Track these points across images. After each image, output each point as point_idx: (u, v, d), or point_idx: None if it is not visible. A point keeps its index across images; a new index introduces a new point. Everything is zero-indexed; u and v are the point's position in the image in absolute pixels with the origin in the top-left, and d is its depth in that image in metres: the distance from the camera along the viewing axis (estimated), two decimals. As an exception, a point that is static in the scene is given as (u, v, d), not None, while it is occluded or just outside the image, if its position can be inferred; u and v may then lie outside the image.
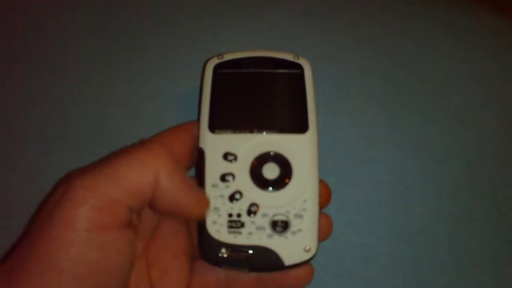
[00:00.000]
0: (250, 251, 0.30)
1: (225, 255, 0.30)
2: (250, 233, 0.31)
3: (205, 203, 0.31)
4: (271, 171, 0.32)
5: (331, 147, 0.39)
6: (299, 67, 0.35)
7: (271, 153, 0.32)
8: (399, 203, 0.38)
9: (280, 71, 0.35)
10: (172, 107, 0.40)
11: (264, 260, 0.31)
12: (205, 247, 0.31)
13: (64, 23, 0.43)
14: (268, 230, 0.31)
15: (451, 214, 0.38)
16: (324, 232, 0.32)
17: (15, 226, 0.36)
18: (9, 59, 0.42)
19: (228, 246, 0.31)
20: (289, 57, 0.35)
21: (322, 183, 0.33)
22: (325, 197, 0.33)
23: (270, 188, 0.32)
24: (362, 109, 0.41)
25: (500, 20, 0.47)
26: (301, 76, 0.34)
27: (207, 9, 0.43)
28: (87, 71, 0.41)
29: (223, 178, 0.32)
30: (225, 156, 0.32)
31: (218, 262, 0.31)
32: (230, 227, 0.31)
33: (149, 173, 0.27)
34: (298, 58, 0.35)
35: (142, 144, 0.31)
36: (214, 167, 0.32)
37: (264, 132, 0.33)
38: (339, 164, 0.39)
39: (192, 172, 0.34)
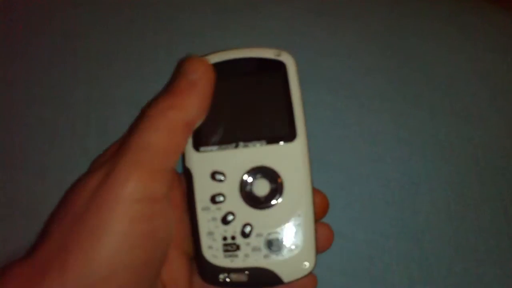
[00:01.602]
0: (247, 273, 0.30)
1: (225, 279, 0.30)
2: (246, 255, 0.30)
3: (209, 69, 0.31)
4: (261, 187, 0.31)
5: (337, 144, 0.39)
6: (282, 65, 0.32)
7: (260, 168, 0.31)
8: (405, 201, 0.38)
9: (262, 72, 0.32)
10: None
11: (264, 280, 0.30)
12: (203, 272, 0.31)
13: (70, 20, 0.43)
14: (264, 250, 0.30)
15: (458, 212, 0.38)
16: (325, 242, 0.32)
17: (23, 223, 0.37)
18: (16, 58, 0.42)
19: (226, 270, 0.30)
20: (270, 54, 0.32)
21: (319, 194, 0.32)
22: (322, 208, 0.32)
23: (262, 206, 0.31)
24: (368, 106, 0.40)
25: (508, 18, 0.46)
26: (284, 75, 0.32)
27: (212, 5, 0.43)
28: (94, 69, 0.41)
29: (213, 199, 0.31)
30: (213, 175, 0.31)
31: (219, 285, 0.31)
32: (225, 250, 0.30)
33: (175, 128, 0.29)
34: (279, 55, 0.32)
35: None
36: (203, 188, 0.31)
37: (251, 145, 0.31)
38: (344, 161, 0.39)
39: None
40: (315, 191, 0.32)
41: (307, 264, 0.30)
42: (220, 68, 0.32)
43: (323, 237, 0.31)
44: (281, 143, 0.31)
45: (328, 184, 0.37)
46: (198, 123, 0.30)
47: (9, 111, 0.40)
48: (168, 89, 0.31)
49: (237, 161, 0.31)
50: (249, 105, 0.32)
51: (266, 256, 0.30)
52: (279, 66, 0.32)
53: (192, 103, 0.29)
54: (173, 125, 0.29)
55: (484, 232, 0.38)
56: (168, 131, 0.28)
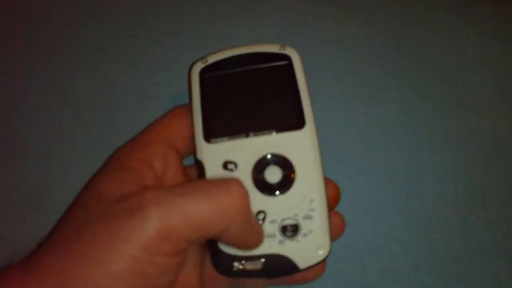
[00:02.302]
0: (263, 260, 0.30)
1: (239, 268, 0.30)
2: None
3: (262, 236, 0.30)
4: (273, 174, 0.31)
5: (344, 133, 0.39)
6: (287, 58, 0.33)
7: (271, 156, 0.31)
8: (412, 190, 0.38)
9: (268, 65, 0.33)
10: (183, 94, 0.40)
11: (279, 267, 0.30)
12: (218, 261, 0.30)
13: (76, 8, 0.43)
14: (279, 237, 0.30)
15: (465, 202, 0.38)
16: (337, 230, 0.32)
17: (27, 212, 0.37)
18: (22, 49, 0.42)
19: (240, 258, 0.30)
20: (275, 49, 0.34)
21: (330, 183, 0.32)
22: (334, 197, 0.32)
23: (275, 193, 0.31)
24: (375, 96, 0.40)
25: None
26: (290, 67, 0.33)
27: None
28: (99, 58, 0.41)
29: None
30: (225, 165, 0.31)
31: (233, 275, 0.30)
32: None
33: (223, 222, 0.26)
34: (284, 49, 0.34)
35: (148, 135, 0.31)
36: (214, 177, 0.31)
37: (261, 134, 0.31)
38: (352, 151, 0.39)
39: (190, 160, 0.34)
40: (327, 181, 0.32)
41: (322, 249, 0.30)
42: (230, 62, 0.33)
43: (335, 226, 0.31)
44: (291, 131, 0.32)
45: (335, 173, 0.37)
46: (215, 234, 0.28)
47: (13, 101, 0.40)
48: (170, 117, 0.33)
49: (248, 150, 0.31)
50: (258, 97, 0.33)
51: (280, 242, 0.30)
52: (285, 58, 0.33)
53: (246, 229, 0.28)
54: (226, 219, 0.26)
55: (491, 223, 0.38)
56: (216, 216, 0.26)
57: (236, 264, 0.30)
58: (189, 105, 0.33)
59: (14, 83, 0.41)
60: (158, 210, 0.25)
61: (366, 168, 0.38)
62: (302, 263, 0.30)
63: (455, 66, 0.42)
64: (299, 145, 0.31)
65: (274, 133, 0.32)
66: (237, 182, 0.27)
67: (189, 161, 0.34)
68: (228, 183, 0.27)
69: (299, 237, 0.30)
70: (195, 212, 0.26)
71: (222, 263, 0.30)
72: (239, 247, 0.30)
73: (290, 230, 0.30)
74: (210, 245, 0.31)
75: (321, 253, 0.30)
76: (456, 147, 0.39)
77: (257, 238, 0.30)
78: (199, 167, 0.31)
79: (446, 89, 0.41)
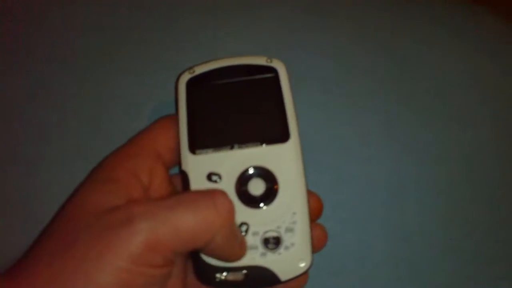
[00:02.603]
0: (244, 271, 0.30)
1: (221, 278, 0.30)
2: None
3: (245, 248, 0.31)
4: (256, 187, 0.31)
5: (329, 144, 0.39)
6: (273, 71, 0.34)
7: (255, 168, 0.32)
8: (395, 201, 0.38)
9: (254, 77, 0.34)
10: (171, 102, 0.40)
11: (260, 279, 0.30)
12: (200, 272, 0.31)
13: (64, 17, 0.43)
14: (261, 249, 0.31)
15: (447, 213, 0.39)
16: (319, 242, 0.32)
17: (13, 219, 0.37)
18: (9, 53, 0.42)
19: (222, 269, 0.30)
20: (261, 61, 0.34)
21: (313, 196, 0.32)
22: (316, 210, 0.32)
23: (258, 205, 0.31)
24: (360, 106, 0.40)
25: (498, 20, 0.46)
26: (276, 80, 0.33)
27: (207, 4, 0.43)
28: (87, 65, 0.41)
29: None
30: (209, 176, 0.31)
31: (215, 285, 0.31)
32: None
33: (208, 233, 0.27)
34: (271, 61, 0.34)
35: (134, 145, 0.32)
36: (199, 189, 0.31)
37: (245, 146, 0.32)
38: (336, 161, 0.39)
39: (175, 169, 0.34)
40: (310, 193, 0.32)
41: (303, 262, 0.31)
42: (216, 74, 0.34)
43: (317, 238, 0.32)
44: (275, 144, 0.32)
45: (318, 183, 0.37)
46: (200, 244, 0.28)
47: (0, 107, 0.40)
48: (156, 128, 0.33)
49: (232, 162, 0.32)
50: (243, 109, 0.33)
51: (262, 255, 0.31)
52: (271, 71, 0.34)
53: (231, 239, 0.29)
54: (211, 231, 0.27)
55: (472, 233, 0.38)
56: (203, 229, 0.27)
57: (218, 275, 0.30)
58: (175, 115, 0.34)
59: (0, 89, 0.41)
60: (146, 223, 0.26)
61: (349, 178, 0.39)
62: (283, 275, 0.30)
63: (440, 77, 0.43)
64: (283, 158, 0.32)
65: (258, 145, 0.32)
66: (223, 194, 0.28)
67: (176, 169, 0.35)
68: (214, 195, 0.27)
69: (281, 249, 0.31)
70: (182, 225, 0.26)
71: (205, 273, 0.31)
72: (222, 259, 0.30)
73: (272, 243, 0.31)
74: (193, 256, 0.31)
75: (303, 266, 0.31)
76: (439, 158, 0.40)
77: (241, 250, 0.30)
78: (184, 177, 0.32)
79: (430, 99, 0.42)
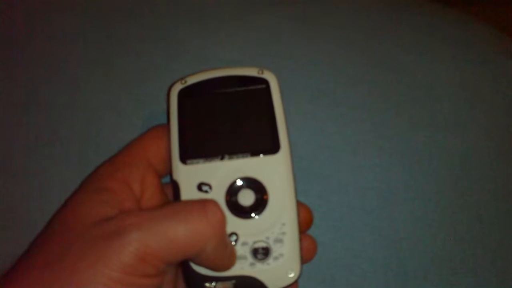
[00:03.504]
0: (233, 281, 0.31)
1: (210, 287, 0.31)
2: None
3: (234, 258, 0.31)
4: (246, 197, 0.32)
5: (317, 153, 0.39)
6: (265, 82, 0.34)
7: (245, 179, 0.32)
8: (383, 209, 0.39)
9: (246, 89, 0.34)
10: (161, 112, 0.40)
11: None
12: (190, 281, 0.31)
13: (56, 26, 0.43)
14: (250, 259, 0.31)
15: (435, 221, 0.39)
16: (308, 253, 0.32)
17: (5, 228, 0.37)
18: (0, 61, 0.42)
19: (212, 279, 0.31)
20: (253, 72, 0.34)
21: (304, 207, 0.33)
22: (306, 221, 0.33)
23: (248, 215, 0.31)
24: (349, 115, 0.41)
25: (489, 30, 0.47)
26: (267, 91, 0.34)
27: (196, 14, 0.43)
28: (77, 74, 0.41)
29: None
30: (200, 187, 0.32)
31: None
32: None
33: (199, 243, 0.27)
34: (262, 73, 0.34)
35: (126, 155, 0.32)
36: (189, 199, 0.31)
37: (236, 157, 0.32)
38: (324, 170, 0.39)
39: (167, 178, 0.34)
40: (300, 205, 0.32)
41: (292, 273, 0.31)
42: (208, 84, 0.34)
43: (306, 249, 0.32)
44: (265, 155, 0.32)
45: (307, 192, 0.38)
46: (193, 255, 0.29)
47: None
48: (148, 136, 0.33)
49: (223, 172, 0.32)
50: (234, 120, 0.34)
51: (252, 265, 0.31)
52: (263, 82, 0.34)
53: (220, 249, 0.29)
54: (201, 243, 0.28)
55: (460, 241, 0.39)
56: (193, 240, 0.27)
57: (207, 284, 0.31)
58: (167, 125, 0.34)
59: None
60: (138, 234, 0.26)
61: (337, 187, 0.39)
62: (272, 286, 0.31)
63: (428, 85, 0.43)
64: (273, 170, 0.32)
65: (249, 156, 0.32)
66: (214, 204, 0.28)
67: (168, 178, 0.35)
68: (205, 206, 0.28)
69: (270, 260, 0.31)
70: (173, 235, 0.26)
71: (194, 282, 0.31)
72: (212, 268, 0.30)
73: (261, 253, 0.31)
74: (183, 265, 0.31)
75: (291, 276, 0.31)
76: (427, 166, 0.40)
77: (230, 260, 0.31)
78: (175, 187, 0.32)
79: (419, 108, 0.42)
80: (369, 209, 0.38)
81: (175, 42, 0.42)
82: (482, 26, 0.47)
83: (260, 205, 0.32)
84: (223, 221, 0.28)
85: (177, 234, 0.27)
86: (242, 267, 0.31)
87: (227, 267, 0.31)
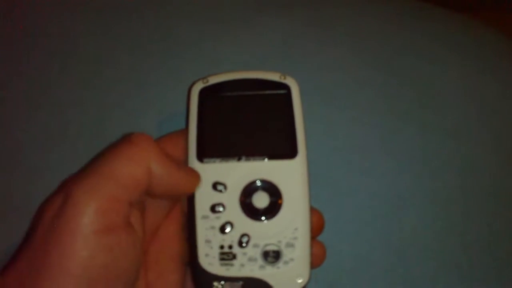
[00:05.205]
0: (241, 282, 0.31)
1: (218, 287, 0.31)
2: (242, 265, 0.31)
3: (196, 177, 0.31)
4: (261, 200, 0.32)
5: (327, 156, 0.40)
6: (286, 88, 0.34)
7: (261, 181, 0.32)
8: (392, 214, 0.39)
9: (267, 92, 0.34)
10: (171, 111, 0.40)
11: None
12: (198, 280, 0.31)
13: (66, 23, 0.43)
14: (260, 261, 0.31)
15: (443, 227, 0.39)
16: (317, 259, 0.32)
17: (15, 225, 0.37)
18: (10, 59, 0.42)
19: (221, 278, 0.31)
20: (275, 77, 0.34)
21: (316, 213, 0.33)
22: (318, 227, 0.33)
23: (261, 218, 0.31)
24: (359, 119, 0.41)
25: (497, 37, 0.47)
26: (288, 96, 0.34)
27: (208, 15, 0.43)
28: (88, 72, 0.42)
29: (213, 209, 0.31)
30: (215, 186, 0.32)
31: None
32: (222, 259, 0.31)
33: (141, 165, 0.28)
34: (285, 78, 0.34)
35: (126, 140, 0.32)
36: (204, 197, 0.32)
37: (253, 159, 0.32)
38: (333, 173, 0.39)
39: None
40: (312, 210, 0.32)
41: (301, 278, 0.31)
42: (230, 85, 0.34)
43: (316, 255, 0.32)
44: (283, 159, 0.32)
45: (316, 195, 0.37)
46: (152, 187, 0.29)
47: (0, 113, 0.40)
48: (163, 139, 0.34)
49: (239, 173, 0.32)
50: (254, 122, 0.34)
51: (261, 267, 0.31)
52: (284, 88, 0.34)
53: (167, 169, 0.29)
54: (142, 161, 0.28)
55: (468, 248, 0.39)
56: (134, 164, 0.28)
57: (215, 283, 0.31)
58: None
59: (1, 94, 0.41)
60: (85, 193, 0.26)
61: (346, 191, 0.39)
62: None
63: (438, 92, 0.43)
64: (289, 174, 0.32)
65: (266, 159, 0.32)
66: (137, 132, 0.29)
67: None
68: (129, 136, 0.29)
69: (280, 264, 0.31)
70: (117, 174, 0.27)
71: (203, 282, 0.31)
72: (177, 191, 0.31)
73: (272, 256, 0.31)
74: (191, 264, 0.32)
75: (300, 282, 0.31)
76: (436, 172, 0.40)
77: (190, 177, 0.31)
78: None
79: (428, 114, 0.42)
80: (377, 214, 0.38)
81: (187, 44, 0.42)
82: (490, 32, 0.47)
83: (274, 208, 0.32)
84: (149, 140, 0.29)
85: (118, 171, 0.27)
86: (252, 269, 0.31)
87: (191, 185, 0.31)
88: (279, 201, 0.32)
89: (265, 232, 0.31)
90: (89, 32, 0.43)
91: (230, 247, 0.31)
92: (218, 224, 0.31)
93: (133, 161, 0.28)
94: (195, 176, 0.32)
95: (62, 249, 0.25)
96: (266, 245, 0.31)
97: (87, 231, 0.26)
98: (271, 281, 0.31)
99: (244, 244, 0.31)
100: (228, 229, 0.31)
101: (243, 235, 0.31)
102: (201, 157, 0.32)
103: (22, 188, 0.38)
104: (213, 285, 0.31)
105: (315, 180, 0.38)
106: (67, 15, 0.44)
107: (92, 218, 0.26)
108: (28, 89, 0.41)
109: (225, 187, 0.32)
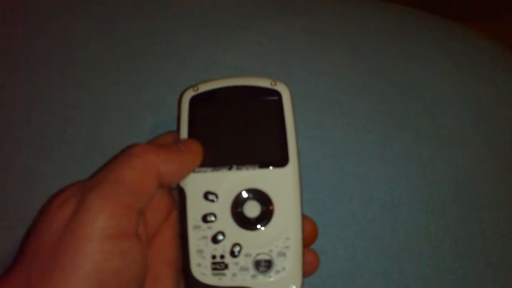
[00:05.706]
0: None
1: None
2: (234, 274, 0.31)
3: (197, 147, 0.32)
4: (252, 209, 0.32)
5: (322, 162, 0.40)
6: (277, 94, 0.34)
7: (252, 191, 0.32)
8: (386, 220, 0.39)
9: (257, 100, 0.34)
10: (169, 114, 0.40)
11: None
12: None
13: (65, 26, 0.43)
14: (252, 271, 0.31)
15: (437, 233, 0.39)
16: (310, 267, 0.32)
17: (7, 226, 0.37)
18: (9, 61, 0.42)
19: None
20: (266, 83, 0.34)
21: (309, 221, 0.33)
22: (310, 235, 0.33)
23: (252, 227, 0.31)
24: (354, 125, 0.41)
25: (493, 45, 0.47)
26: (279, 103, 0.33)
27: (207, 20, 0.44)
28: (86, 75, 0.42)
29: (204, 218, 0.31)
30: (206, 195, 0.32)
31: None
32: (214, 269, 0.31)
33: (150, 174, 0.29)
34: (275, 84, 0.34)
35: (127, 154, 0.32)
36: (195, 207, 0.32)
37: (244, 168, 0.32)
38: (329, 179, 0.40)
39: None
40: (305, 219, 0.32)
41: (293, 287, 0.31)
42: (220, 93, 0.34)
43: (309, 264, 0.32)
44: (274, 168, 0.32)
45: (311, 201, 0.38)
46: (166, 182, 0.31)
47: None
48: (156, 142, 0.34)
49: (230, 182, 0.32)
50: (245, 130, 0.34)
51: (253, 276, 0.31)
52: (275, 94, 0.34)
53: (173, 161, 0.30)
54: (149, 168, 0.29)
55: (462, 255, 0.39)
56: (143, 172, 0.29)
57: None
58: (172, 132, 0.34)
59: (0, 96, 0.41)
60: (99, 199, 0.27)
61: (341, 197, 0.39)
62: None
63: (434, 99, 0.43)
64: (280, 183, 0.32)
65: (257, 168, 0.32)
66: (135, 145, 0.30)
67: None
68: (128, 149, 0.29)
69: (272, 273, 0.31)
70: (124, 180, 0.28)
71: None
72: (183, 168, 0.32)
73: (264, 266, 0.31)
74: (184, 274, 0.32)
75: None
76: (430, 179, 0.40)
77: (191, 152, 0.32)
78: (181, 194, 0.32)
79: (424, 121, 0.42)
80: (372, 220, 0.39)
81: (185, 47, 0.42)
82: (487, 42, 0.48)
83: (265, 217, 0.32)
84: (150, 148, 0.30)
85: (130, 179, 0.28)
86: (244, 279, 0.31)
87: (191, 161, 0.32)
88: (271, 210, 0.32)
89: (256, 242, 0.31)
90: (88, 35, 0.43)
91: (222, 256, 0.31)
92: (210, 234, 0.31)
93: (141, 170, 0.28)
94: (196, 147, 0.32)
95: (77, 250, 0.26)
96: (258, 254, 0.31)
97: (102, 235, 0.26)
98: None
99: (236, 254, 0.31)
100: (220, 239, 0.31)
101: (234, 245, 0.31)
102: None
103: (15, 191, 0.38)
104: None
105: (310, 185, 0.39)
106: (66, 17, 0.44)
107: (106, 223, 0.26)
108: (26, 91, 0.41)
109: (217, 197, 0.32)
